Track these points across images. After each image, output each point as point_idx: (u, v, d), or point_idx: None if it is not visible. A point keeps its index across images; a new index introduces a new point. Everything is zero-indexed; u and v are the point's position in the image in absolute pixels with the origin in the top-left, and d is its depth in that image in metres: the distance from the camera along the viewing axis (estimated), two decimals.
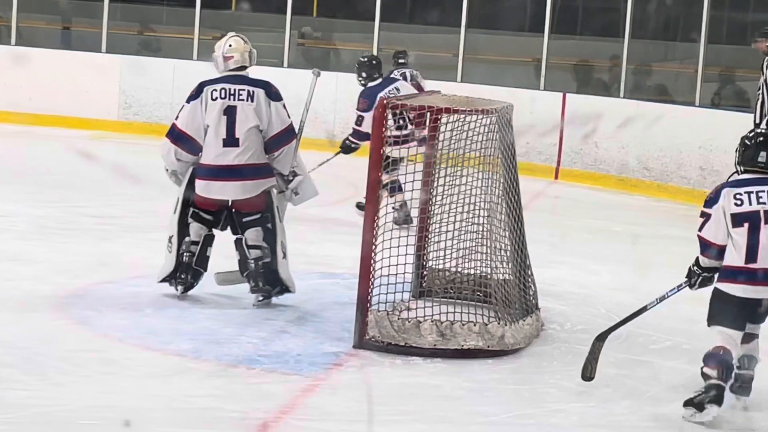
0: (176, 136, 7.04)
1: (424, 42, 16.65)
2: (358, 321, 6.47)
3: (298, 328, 6.81)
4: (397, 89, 9.77)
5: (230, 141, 6.97)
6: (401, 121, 8.34)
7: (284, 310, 7.15)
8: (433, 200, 7.07)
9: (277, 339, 6.57)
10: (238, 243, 7.15)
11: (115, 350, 6.15)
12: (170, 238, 7.13)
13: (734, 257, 5.64)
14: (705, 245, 5.73)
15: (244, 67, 7.15)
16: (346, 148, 10.03)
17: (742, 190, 5.70)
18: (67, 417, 5.23)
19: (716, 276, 5.74)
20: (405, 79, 11.15)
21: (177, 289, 7.19)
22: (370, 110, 8.30)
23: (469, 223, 7.04)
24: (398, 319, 6.48)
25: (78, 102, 15.11)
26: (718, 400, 5.55)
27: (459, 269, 7.19)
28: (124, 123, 15.14)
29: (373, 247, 6.48)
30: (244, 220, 7.10)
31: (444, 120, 6.87)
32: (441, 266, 7.24)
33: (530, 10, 16.93)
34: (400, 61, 12.53)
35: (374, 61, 10.22)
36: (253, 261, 7.08)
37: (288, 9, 15.16)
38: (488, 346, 6.45)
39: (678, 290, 5.88)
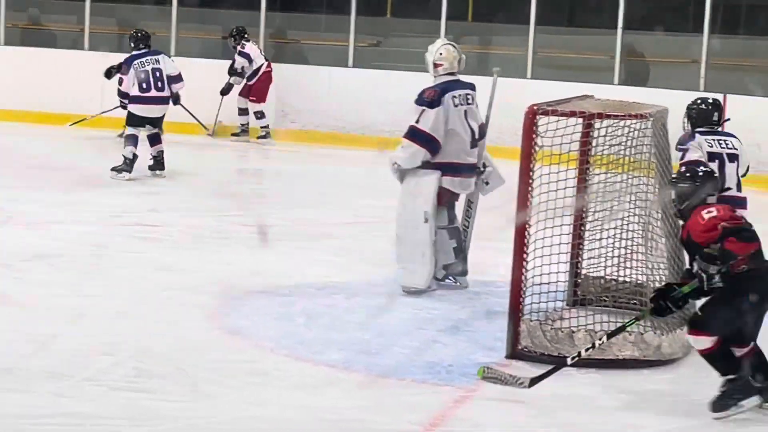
0: (425, 139, 7.50)
1: (581, 44, 16.42)
2: (510, 331, 6.36)
3: (449, 338, 6.72)
4: None
5: (473, 142, 7.66)
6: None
7: (435, 319, 7.08)
8: (588, 206, 6.94)
9: (429, 349, 6.49)
10: (455, 231, 7.75)
11: (266, 360, 6.14)
12: (433, 242, 7.53)
13: None
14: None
15: (452, 73, 7.68)
16: None
17: (709, 137, 7.36)
18: (217, 428, 5.24)
19: None
20: None
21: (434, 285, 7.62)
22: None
23: (624, 230, 6.88)
24: (551, 328, 6.35)
25: (234, 109, 15.25)
26: None
27: (614, 277, 7.03)
28: (280, 131, 15.24)
29: (525, 255, 6.36)
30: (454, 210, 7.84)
31: (597, 125, 6.72)
32: (595, 274, 7.08)
33: (692, 9, 16.55)
34: None
35: None
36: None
37: (442, 14, 15.10)
38: (644, 356, 6.28)
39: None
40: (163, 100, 11.74)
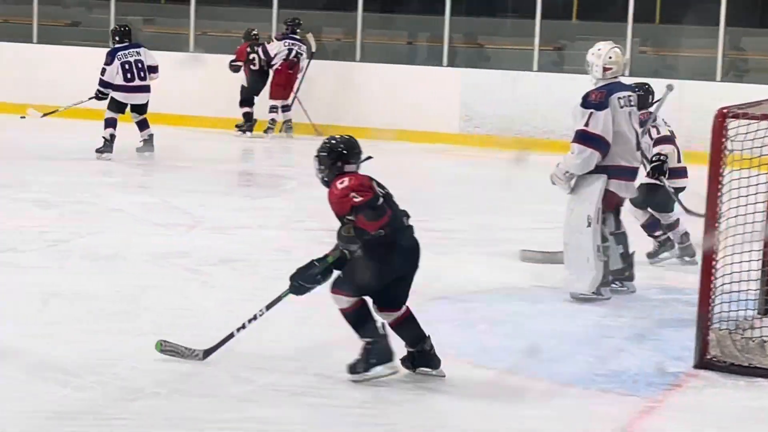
0: (597, 142, 7.40)
1: None
2: (699, 340, 6.17)
3: (635, 347, 6.57)
4: None
5: (638, 144, 7.67)
6: None
7: (621, 327, 6.95)
8: None
9: (614, 358, 6.36)
10: (623, 236, 7.73)
11: (447, 368, 6.06)
12: (597, 247, 7.41)
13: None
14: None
15: (616, 76, 7.66)
16: None
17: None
18: None
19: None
20: None
21: (608, 292, 7.50)
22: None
23: None
24: (742, 338, 6.15)
25: (418, 115, 15.31)
26: None
27: None
28: (464, 136, 15.22)
29: (714, 262, 6.17)
30: (620, 216, 7.79)
31: None
32: None
33: None
34: None
35: None
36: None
37: (629, 16, 14.88)
38: None
39: None
40: (144, 89, 13.13)
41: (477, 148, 14.44)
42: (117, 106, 13.07)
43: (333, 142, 5.93)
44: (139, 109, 13.19)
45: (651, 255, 8.63)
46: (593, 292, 7.43)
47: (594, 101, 7.43)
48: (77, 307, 6.88)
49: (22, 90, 16.41)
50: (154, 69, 13.24)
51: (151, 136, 13.20)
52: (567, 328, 6.87)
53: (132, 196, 10.75)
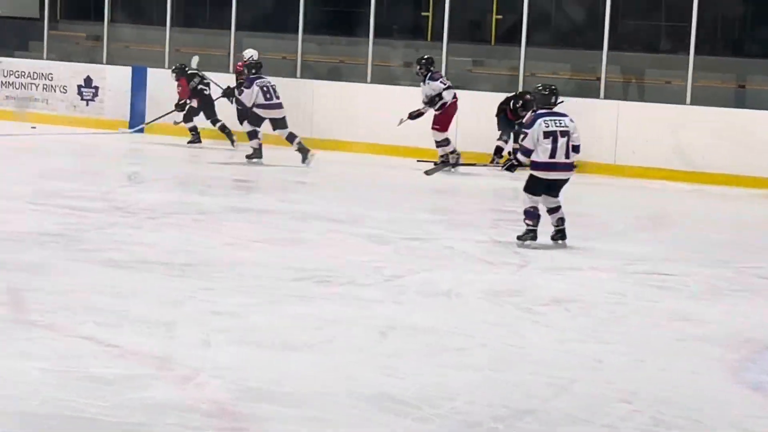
0: None
1: None
2: None
3: None
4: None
5: None
6: None
7: None
8: None
9: None
10: None
11: None
12: None
13: (541, 156, 10.02)
14: (525, 150, 10.12)
15: None
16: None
17: (548, 119, 10.05)
18: None
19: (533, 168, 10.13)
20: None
21: None
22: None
23: None
24: None
25: (750, 159, 15.02)
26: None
27: None
28: None
29: None
30: None
31: None
32: None
33: None
34: None
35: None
36: None
37: None
38: None
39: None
40: (280, 105, 16.01)
41: None
42: (257, 121, 15.95)
43: None
44: (281, 123, 15.96)
45: None
46: None
47: None
48: (415, 341, 7.05)
49: None
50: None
51: (302, 146, 15.83)
52: None
53: (461, 234, 10.92)
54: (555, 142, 9.94)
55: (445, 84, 16.22)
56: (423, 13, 20.45)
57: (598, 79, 16.92)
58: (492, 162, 15.89)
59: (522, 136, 10.35)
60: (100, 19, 20.41)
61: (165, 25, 19.60)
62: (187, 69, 17.71)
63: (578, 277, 9.26)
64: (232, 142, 17.50)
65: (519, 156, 10.33)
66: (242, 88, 16.14)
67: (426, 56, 16.48)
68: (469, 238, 10.76)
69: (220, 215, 11.57)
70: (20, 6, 22.53)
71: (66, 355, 6.30)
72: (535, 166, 10.09)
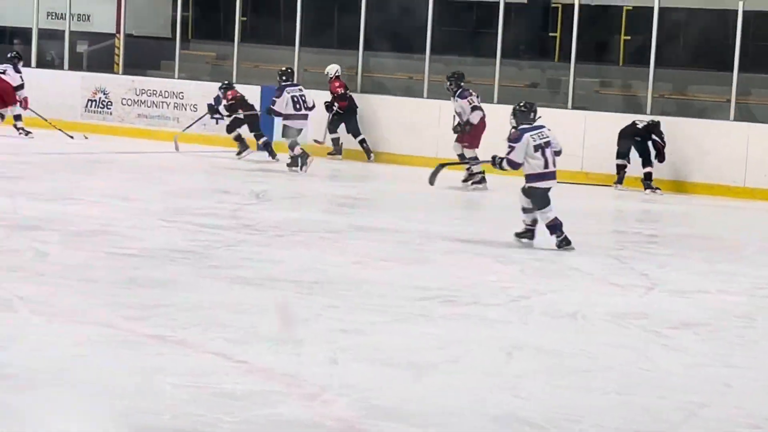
0: None
1: None
2: None
3: None
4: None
5: None
6: None
7: None
8: None
9: None
10: None
11: None
12: None
13: (536, 169, 10.80)
14: (514, 163, 10.85)
15: None
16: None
17: (533, 133, 10.82)
18: None
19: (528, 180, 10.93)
20: None
21: None
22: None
23: None
24: None
25: None
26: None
27: None
28: None
29: None
30: None
31: None
32: None
33: None
34: None
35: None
36: None
37: None
38: None
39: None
40: (306, 117, 16.95)
41: None
42: (294, 132, 16.72)
43: None
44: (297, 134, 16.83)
45: None
46: None
47: None
48: (540, 362, 7.03)
49: None
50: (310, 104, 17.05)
51: (303, 152, 16.85)
52: None
53: (588, 255, 10.86)
54: (544, 153, 10.76)
55: (472, 103, 16.16)
56: (550, 34, 20.42)
57: (728, 101, 16.72)
58: (615, 183, 15.81)
59: (508, 149, 10.88)
60: (229, 39, 20.75)
61: (293, 44, 19.86)
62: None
63: (707, 301, 9.15)
64: (273, 155, 18.02)
65: (504, 164, 10.91)
66: (273, 98, 17.06)
67: (457, 72, 16.50)
68: (595, 259, 10.70)
69: (345, 233, 11.66)
70: (153, 27, 23.04)
71: (197, 370, 6.41)
72: (532, 178, 10.84)
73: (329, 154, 18.98)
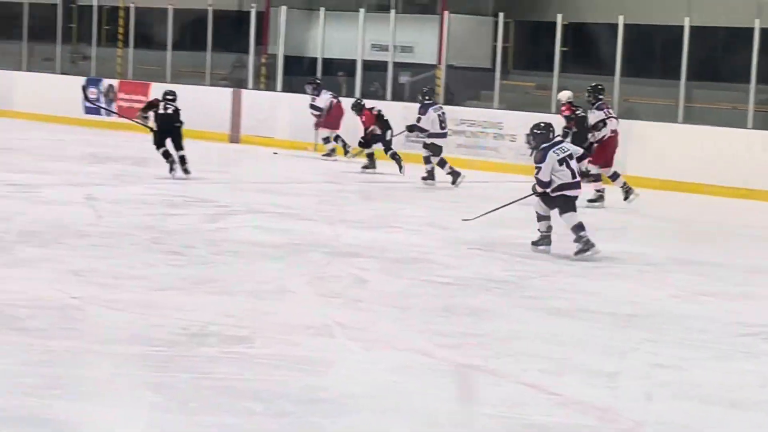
0: None
1: None
2: None
3: None
4: None
5: None
6: None
7: None
8: None
9: None
10: None
11: None
12: None
13: (564, 178, 11.27)
14: (542, 183, 11.31)
15: None
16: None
17: (555, 149, 11.33)
18: None
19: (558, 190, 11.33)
20: None
21: None
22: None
23: None
24: None
25: None
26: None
27: None
28: None
29: None
30: None
31: None
32: None
33: None
34: None
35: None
36: None
37: None
38: None
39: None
40: (446, 135, 17.64)
41: None
42: (437, 150, 17.25)
43: None
44: (439, 150, 17.25)
45: None
46: None
47: None
48: None
49: None
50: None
51: (453, 170, 17.33)
52: None
53: None
54: (569, 165, 11.21)
55: (607, 115, 16.04)
56: None
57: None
58: None
59: (536, 170, 11.35)
60: (549, 69, 20.71)
61: (613, 74, 19.63)
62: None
63: None
64: (401, 168, 18.22)
65: (536, 187, 11.45)
66: (419, 115, 17.41)
67: (597, 84, 16.43)
68: None
69: (664, 266, 11.40)
70: (474, 58, 23.26)
71: (508, 401, 6.38)
72: (563, 187, 11.26)
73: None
